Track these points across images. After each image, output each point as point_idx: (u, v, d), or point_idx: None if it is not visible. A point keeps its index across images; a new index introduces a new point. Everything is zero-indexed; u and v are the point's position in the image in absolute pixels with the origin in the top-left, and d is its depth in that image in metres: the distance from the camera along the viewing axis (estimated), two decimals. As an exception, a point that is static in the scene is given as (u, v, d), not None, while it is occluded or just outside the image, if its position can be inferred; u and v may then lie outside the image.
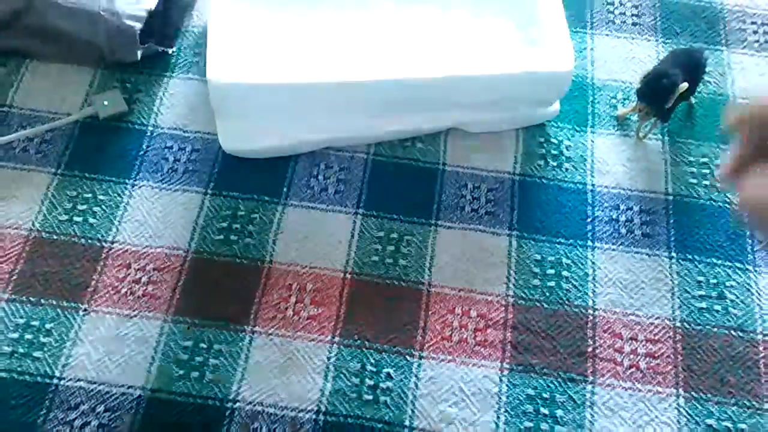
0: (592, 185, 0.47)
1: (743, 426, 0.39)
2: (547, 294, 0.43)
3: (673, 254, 0.44)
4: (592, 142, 0.49)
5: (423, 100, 0.45)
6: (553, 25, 0.44)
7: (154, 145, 0.47)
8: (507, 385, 0.40)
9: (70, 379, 0.40)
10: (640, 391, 0.40)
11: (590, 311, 0.42)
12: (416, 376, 0.40)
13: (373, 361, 0.41)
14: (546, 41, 0.44)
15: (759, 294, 0.43)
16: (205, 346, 0.41)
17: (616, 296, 0.43)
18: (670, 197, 0.47)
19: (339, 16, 0.43)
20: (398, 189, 0.46)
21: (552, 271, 0.44)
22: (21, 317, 0.41)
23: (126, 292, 0.42)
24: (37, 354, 0.40)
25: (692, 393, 0.40)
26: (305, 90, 0.43)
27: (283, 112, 0.44)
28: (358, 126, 0.46)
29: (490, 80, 0.43)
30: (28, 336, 0.41)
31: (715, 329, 0.42)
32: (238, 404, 0.39)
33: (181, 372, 0.40)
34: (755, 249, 0.44)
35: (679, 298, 0.43)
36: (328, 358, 0.41)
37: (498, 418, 0.39)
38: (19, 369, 0.40)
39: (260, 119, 0.45)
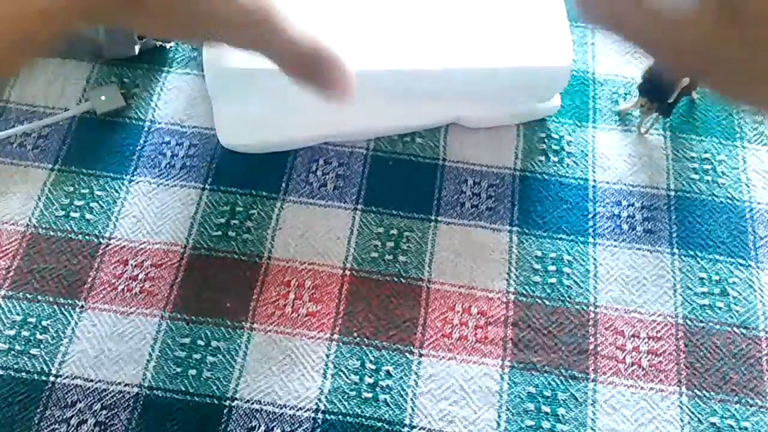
0: (594, 181, 0.46)
1: (746, 424, 0.39)
2: (549, 291, 0.43)
3: (675, 250, 0.44)
4: (594, 137, 0.48)
5: (421, 92, 0.44)
6: (554, 19, 0.44)
7: (151, 141, 0.47)
8: (508, 383, 0.40)
9: (67, 377, 0.39)
10: (642, 388, 0.40)
11: (591, 308, 0.42)
12: (416, 373, 0.40)
13: (372, 358, 0.40)
14: (546, 35, 0.43)
15: (762, 291, 0.43)
16: (202, 343, 0.41)
17: (618, 293, 0.43)
18: (672, 193, 0.46)
19: (339, 5, 0.43)
20: (398, 185, 0.46)
21: (553, 268, 0.43)
22: (18, 314, 0.41)
23: (123, 289, 0.42)
24: (33, 351, 0.40)
25: (695, 391, 0.40)
26: None
27: (281, 100, 0.43)
28: (357, 119, 0.46)
29: (486, 73, 0.43)
30: (24, 333, 0.40)
31: (718, 326, 0.42)
32: (235, 402, 0.39)
33: (179, 369, 0.40)
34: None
35: (681, 294, 0.43)
36: (327, 356, 0.40)
37: (499, 416, 0.39)
38: (15, 366, 0.40)
39: (258, 110, 0.44)
